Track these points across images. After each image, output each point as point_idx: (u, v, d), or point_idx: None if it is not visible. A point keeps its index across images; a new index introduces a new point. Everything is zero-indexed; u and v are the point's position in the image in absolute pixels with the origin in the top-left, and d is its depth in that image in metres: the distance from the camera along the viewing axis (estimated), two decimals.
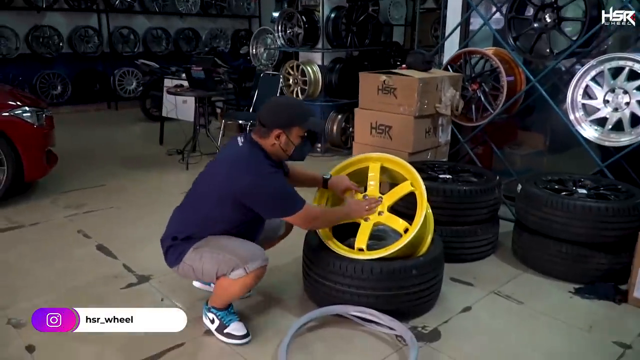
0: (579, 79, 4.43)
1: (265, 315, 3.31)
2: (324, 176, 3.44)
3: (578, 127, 4.48)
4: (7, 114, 5.04)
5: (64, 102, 10.94)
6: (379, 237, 3.53)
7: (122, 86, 11.68)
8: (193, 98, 7.11)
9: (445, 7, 5.66)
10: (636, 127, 4.23)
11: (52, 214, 5.05)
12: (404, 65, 5.06)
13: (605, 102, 4.36)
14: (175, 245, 2.96)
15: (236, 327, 3.02)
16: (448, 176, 4.31)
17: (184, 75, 7.35)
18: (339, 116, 7.64)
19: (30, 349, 2.93)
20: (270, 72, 8.27)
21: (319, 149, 7.75)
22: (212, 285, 3.18)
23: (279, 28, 7.86)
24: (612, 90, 4.32)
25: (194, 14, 12.53)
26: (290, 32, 7.73)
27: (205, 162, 3.18)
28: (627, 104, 4.26)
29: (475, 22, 5.51)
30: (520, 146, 6.04)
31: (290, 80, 7.71)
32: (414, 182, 3.33)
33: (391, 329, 3.05)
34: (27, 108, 5.18)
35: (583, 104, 4.47)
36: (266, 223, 3.27)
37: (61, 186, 5.88)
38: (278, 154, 2.98)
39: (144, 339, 2.97)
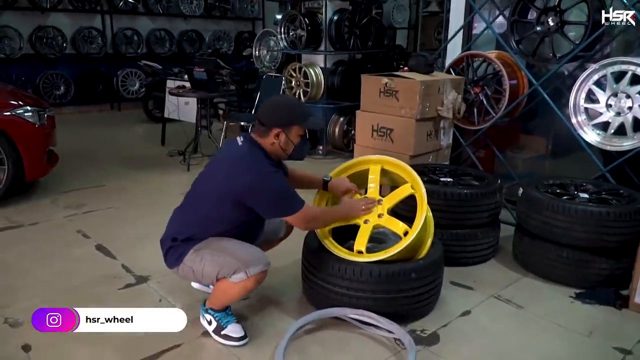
0: (581, 83, 4.42)
1: (264, 317, 3.30)
2: (324, 178, 3.42)
3: (580, 131, 4.46)
4: (8, 113, 5.03)
5: (67, 102, 10.95)
6: (379, 239, 3.52)
7: (125, 87, 11.69)
8: (195, 99, 7.11)
9: (448, 11, 5.64)
10: (639, 132, 4.21)
11: (52, 214, 5.05)
12: (406, 68, 5.06)
13: (608, 106, 4.34)
14: (175, 246, 2.94)
15: (234, 329, 3.00)
16: (449, 179, 4.30)
17: (186, 76, 7.34)
18: (341, 119, 7.63)
19: (26, 348, 2.92)
20: (273, 74, 8.27)
21: (320, 152, 7.76)
22: (211, 286, 3.17)
23: (282, 30, 7.85)
24: (615, 95, 4.30)
25: (197, 16, 12.54)
26: (293, 35, 7.73)
27: (207, 163, 3.17)
28: (630, 108, 4.24)
29: (479, 27, 5.50)
30: (522, 150, 6.01)
31: (293, 83, 7.70)
32: (414, 185, 3.32)
33: (390, 332, 3.03)
34: (28, 107, 5.17)
35: (585, 108, 4.45)
36: (266, 225, 3.26)
37: (62, 186, 5.87)
38: (277, 153, 2.96)
39: (140, 339, 2.96)
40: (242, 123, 7.38)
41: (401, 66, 8.60)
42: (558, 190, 4.04)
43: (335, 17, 7.46)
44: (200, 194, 2.99)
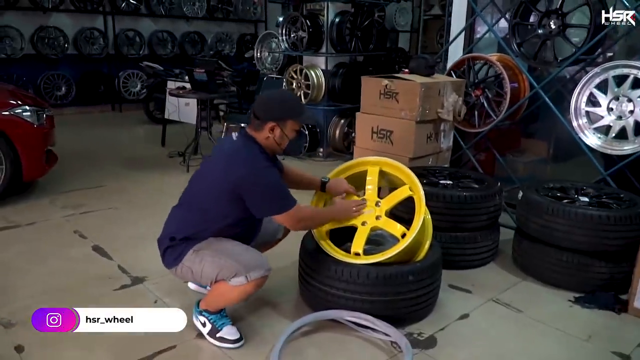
0: (583, 86, 4.40)
1: (260, 319, 3.27)
2: (322, 179, 3.40)
3: (581, 135, 4.44)
4: (6, 112, 5.01)
5: (68, 103, 10.94)
6: (377, 241, 3.50)
7: (126, 88, 11.68)
8: (195, 100, 7.09)
9: (450, 13, 5.62)
10: None
11: (50, 214, 5.02)
12: (406, 70, 5.03)
13: (609, 109, 4.32)
14: (174, 246, 2.91)
15: (229, 331, 2.97)
16: (449, 182, 4.27)
17: (186, 77, 7.33)
18: (342, 121, 7.61)
19: (19, 349, 2.89)
20: (274, 75, 8.27)
21: (321, 154, 7.74)
22: (208, 288, 3.14)
23: (283, 32, 7.83)
24: (616, 98, 4.28)
25: (200, 18, 12.51)
26: (294, 36, 7.71)
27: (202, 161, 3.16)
28: (631, 112, 4.23)
29: (482, 30, 5.48)
30: (523, 153, 6.01)
31: (294, 84, 7.68)
32: (412, 187, 3.30)
33: (386, 335, 3.01)
34: (27, 107, 5.15)
35: (587, 112, 4.43)
36: (265, 226, 3.23)
37: (61, 186, 5.85)
38: (272, 148, 2.93)
39: (135, 340, 2.93)
40: (242, 124, 7.35)
41: (403, 68, 8.59)
42: (558, 194, 4.01)
43: (337, 19, 7.44)
44: (197, 191, 2.96)
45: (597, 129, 4.41)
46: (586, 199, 3.91)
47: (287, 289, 3.62)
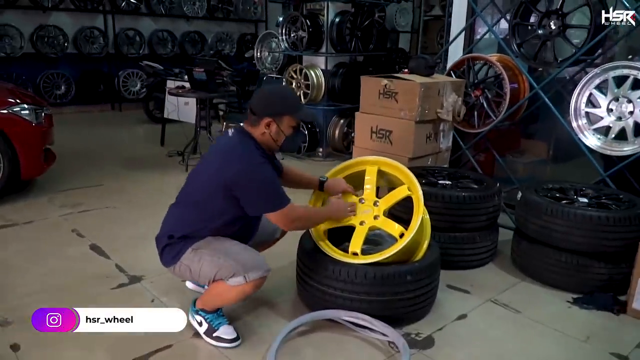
0: (582, 87, 4.39)
1: (258, 319, 3.26)
2: (321, 178, 3.39)
3: (580, 135, 4.43)
4: (5, 111, 5.00)
5: (68, 102, 10.92)
6: (375, 241, 3.48)
7: (126, 88, 11.67)
8: (195, 100, 7.08)
9: (450, 14, 5.61)
10: (639, 137, 4.17)
11: (48, 213, 5.01)
12: (406, 70, 5.02)
13: (609, 110, 4.31)
14: (172, 244, 2.90)
15: (226, 331, 2.96)
16: (448, 182, 4.25)
17: (186, 77, 7.32)
18: (341, 121, 7.60)
19: (15, 347, 2.88)
20: (274, 75, 8.25)
21: (320, 154, 7.74)
22: (206, 287, 3.12)
23: (283, 32, 7.83)
24: (616, 99, 4.27)
25: (200, 17, 12.51)
26: (294, 36, 7.70)
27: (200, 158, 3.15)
28: (631, 113, 4.22)
29: (482, 31, 5.47)
30: (523, 154, 6.00)
31: (293, 84, 7.66)
32: (410, 186, 3.28)
33: (384, 335, 2.99)
34: (25, 105, 5.14)
35: (586, 112, 4.42)
36: (263, 225, 3.22)
37: (59, 185, 5.84)
38: (268, 144, 2.92)
39: (131, 339, 2.92)
40: (241, 124, 7.33)
41: (403, 69, 8.58)
42: (557, 195, 4.00)
43: (337, 19, 7.43)
44: (194, 188, 2.95)
45: (596, 130, 4.40)
46: (585, 200, 3.90)
47: (285, 288, 3.60)
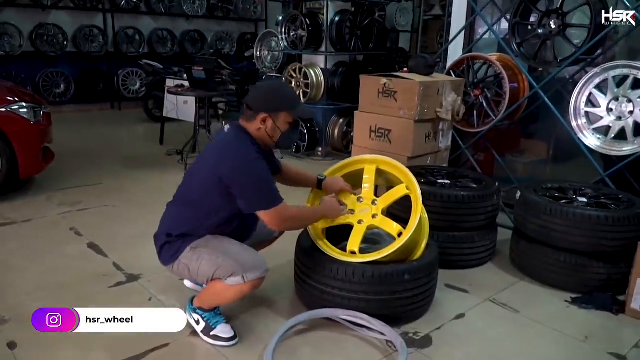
0: (582, 86, 4.37)
1: (255, 317, 3.25)
2: (319, 177, 3.38)
3: (580, 135, 4.41)
4: (3, 109, 4.99)
5: (67, 101, 10.92)
6: (373, 240, 3.48)
7: (126, 86, 11.68)
8: (194, 99, 7.07)
9: (450, 13, 5.60)
10: (639, 137, 4.16)
11: (46, 211, 5.00)
12: (405, 69, 5.01)
13: (609, 110, 4.30)
14: (171, 242, 2.89)
15: (223, 330, 2.95)
16: (447, 181, 4.24)
17: (185, 75, 7.31)
18: (341, 120, 7.59)
19: (11, 345, 2.87)
20: (274, 74, 8.24)
21: (319, 153, 7.73)
22: (205, 286, 3.11)
23: (283, 30, 7.82)
24: (616, 99, 4.26)
25: (200, 16, 12.51)
26: (294, 35, 7.69)
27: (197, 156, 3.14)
28: (631, 112, 4.21)
29: (482, 30, 5.46)
30: (523, 154, 5.98)
31: (293, 83, 7.64)
32: (409, 185, 3.28)
33: (382, 334, 2.98)
34: (23, 104, 5.13)
35: (586, 112, 4.41)
36: (262, 224, 3.20)
37: (58, 183, 5.83)
38: (264, 140, 2.90)
39: (127, 337, 2.90)
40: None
41: (403, 68, 8.58)
42: (556, 194, 3.99)
43: (337, 18, 7.41)
44: (191, 186, 2.93)
45: (596, 130, 4.39)
46: (584, 200, 3.89)
47: (283, 287, 3.59)
